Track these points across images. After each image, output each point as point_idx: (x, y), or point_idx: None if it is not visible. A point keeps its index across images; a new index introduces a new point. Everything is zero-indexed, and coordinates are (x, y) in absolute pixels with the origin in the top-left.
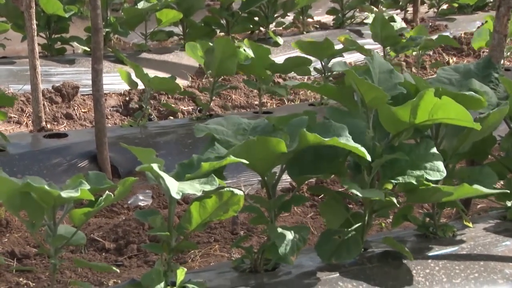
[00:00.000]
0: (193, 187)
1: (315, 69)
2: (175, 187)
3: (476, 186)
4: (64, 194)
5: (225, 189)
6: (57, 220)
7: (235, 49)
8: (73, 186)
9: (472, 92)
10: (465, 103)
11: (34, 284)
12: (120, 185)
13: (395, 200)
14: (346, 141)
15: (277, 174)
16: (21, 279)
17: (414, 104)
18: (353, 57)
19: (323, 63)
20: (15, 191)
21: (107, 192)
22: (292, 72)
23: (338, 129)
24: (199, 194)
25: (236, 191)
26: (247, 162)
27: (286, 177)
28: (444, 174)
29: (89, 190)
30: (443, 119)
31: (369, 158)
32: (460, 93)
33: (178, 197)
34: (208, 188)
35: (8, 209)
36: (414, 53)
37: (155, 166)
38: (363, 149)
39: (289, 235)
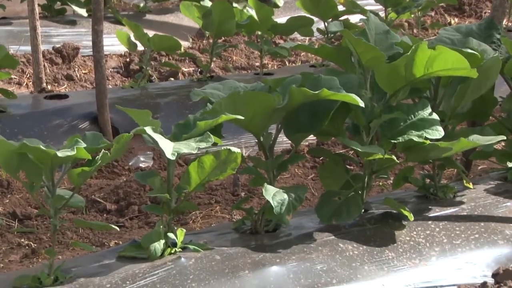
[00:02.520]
0: (189, 146)
1: (318, 30)
2: (170, 148)
3: (473, 138)
4: (60, 153)
5: (222, 147)
6: (55, 181)
7: (233, 11)
8: (69, 146)
9: (469, 49)
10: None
11: (35, 245)
12: (115, 142)
13: (394, 158)
14: (337, 91)
15: (273, 134)
16: (22, 240)
17: (408, 58)
18: (357, 18)
19: (326, 24)
20: (12, 153)
21: (103, 150)
22: (295, 33)
23: (328, 82)
24: (194, 152)
25: (233, 149)
26: (242, 118)
27: (287, 139)
28: (442, 133)
29: (86, 150)
30: (440, 71)
31: (362, 104)
32: (457, 50)
33: (173, 157)
34: (203, 145)
35: (6, 170)
36: (412, 15)
37: (148, 129)
38: (353, 96)
39: (285, 195)
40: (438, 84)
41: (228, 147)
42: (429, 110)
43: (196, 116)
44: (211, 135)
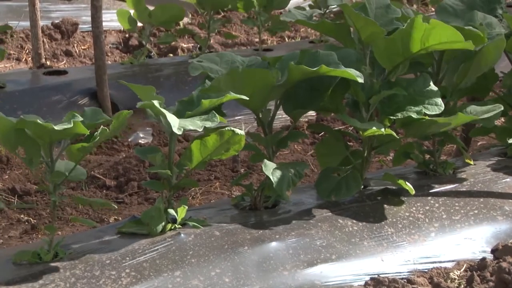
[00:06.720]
0: (194, 123)
1: (314, 3)
2: (176, 123)
3: (470, 108)
4: (58, 127)
5: (226, 128)
6: (54, 156)
7: None
8: (67, 121)
9: (471, 27)
10: (465, 38)
11: (35, 220)
12: (114, 119)
13: (394, 134)
14: (335, 67)
15: (272, 111)
16: (22, 216)
17: (404, 33)
18: None
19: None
20: (10, 128)
21: (102, 126)
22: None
23: (326, 57)
24: (200, 130)
25: (237, 130)
26: (247, 99)
27: (286, 115)
28: (442, 108)
29: (85, 126)
30: (436, 45)
31: (361, 80)
32: (459, 28)
33: (179, 132)
34: (209, 124)
35: (4, 146)
36: None
37: (156, 103)
38: (352, 71)
39: (284, 170)
40: (441, 59)
41: (232, 128)
42: (431, 84)
43: (199, 94)
44: (217, 115)
